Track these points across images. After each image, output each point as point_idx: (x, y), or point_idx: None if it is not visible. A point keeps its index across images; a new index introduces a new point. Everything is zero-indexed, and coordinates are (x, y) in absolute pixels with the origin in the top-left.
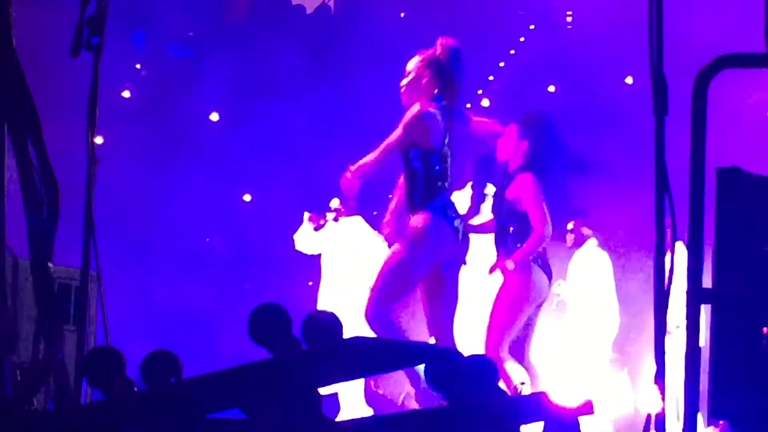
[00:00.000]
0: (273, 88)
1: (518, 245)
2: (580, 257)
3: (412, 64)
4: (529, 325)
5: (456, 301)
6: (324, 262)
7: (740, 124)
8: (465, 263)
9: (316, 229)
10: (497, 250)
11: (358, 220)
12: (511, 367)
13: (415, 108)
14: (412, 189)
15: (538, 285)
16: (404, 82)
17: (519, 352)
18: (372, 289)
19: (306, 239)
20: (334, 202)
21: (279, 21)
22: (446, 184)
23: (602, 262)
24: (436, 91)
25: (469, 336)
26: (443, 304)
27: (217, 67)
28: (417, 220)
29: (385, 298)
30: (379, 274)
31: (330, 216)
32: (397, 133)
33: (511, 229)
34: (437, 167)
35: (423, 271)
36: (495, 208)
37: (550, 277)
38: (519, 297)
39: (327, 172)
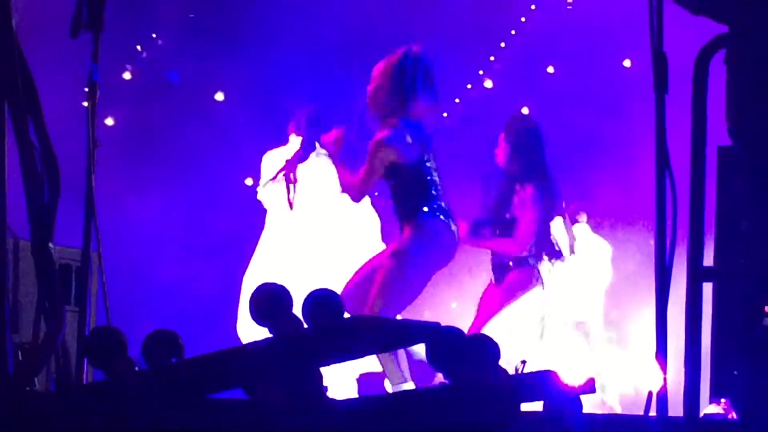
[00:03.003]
0: (276, 70)
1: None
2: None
3: (376, 70)
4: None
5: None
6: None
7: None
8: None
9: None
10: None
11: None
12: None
13: (377, 138)
14: (397, 206)
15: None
16: (369, 88)
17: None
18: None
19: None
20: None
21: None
22: (434, 192)
23: (597, 245)
24: (396, 100)
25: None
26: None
27: (218, 49)
28: (405, 233)
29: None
30: (380, 291)
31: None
32: (366, 167)
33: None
34: (419, 181)
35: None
36: (494, 211)
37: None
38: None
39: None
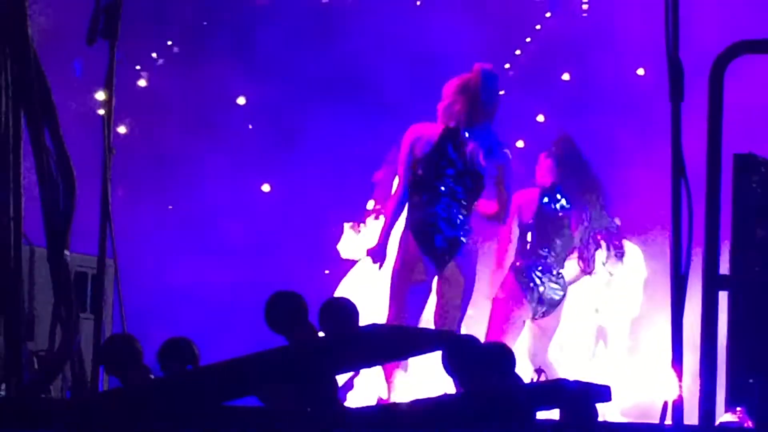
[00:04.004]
0: (294, 76)
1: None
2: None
3: (448, 88)
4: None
5: None
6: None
7: (758, 110)
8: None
9: (358, 233)
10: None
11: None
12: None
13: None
14: None
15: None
16: (440, 105)
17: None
18: None
19: (350, 245)
20: (370, 204)
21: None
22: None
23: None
24: (465, 116)
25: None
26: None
27: (232, 55)
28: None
29: None
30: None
31: (369, 219)
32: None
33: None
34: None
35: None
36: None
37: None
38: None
39: (349, 165)
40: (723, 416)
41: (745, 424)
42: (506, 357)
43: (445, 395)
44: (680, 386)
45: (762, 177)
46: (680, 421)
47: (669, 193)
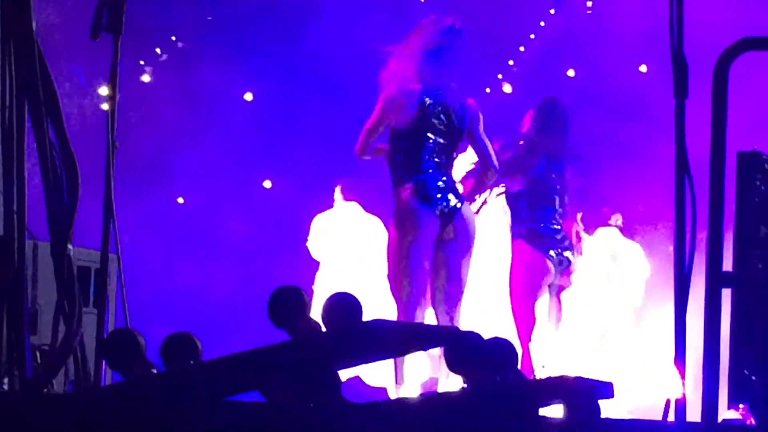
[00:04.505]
0: (295, 72)
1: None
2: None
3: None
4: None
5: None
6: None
7: (763, 108)
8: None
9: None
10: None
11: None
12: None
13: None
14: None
15: (534, 265)
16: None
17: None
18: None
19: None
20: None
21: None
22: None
23: (627, 248)
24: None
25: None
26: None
27: (236, 51)
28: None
29: None
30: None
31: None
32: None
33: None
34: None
35: None
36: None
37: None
38: (515, 278)
39: (353, 160)
40: (726, 413)
41: (748, 422)
42: (509, 353)
43: (449, 391)
44: (683, 383)
45: (766, 175)
46: (683, 419)
47: (673, 190)
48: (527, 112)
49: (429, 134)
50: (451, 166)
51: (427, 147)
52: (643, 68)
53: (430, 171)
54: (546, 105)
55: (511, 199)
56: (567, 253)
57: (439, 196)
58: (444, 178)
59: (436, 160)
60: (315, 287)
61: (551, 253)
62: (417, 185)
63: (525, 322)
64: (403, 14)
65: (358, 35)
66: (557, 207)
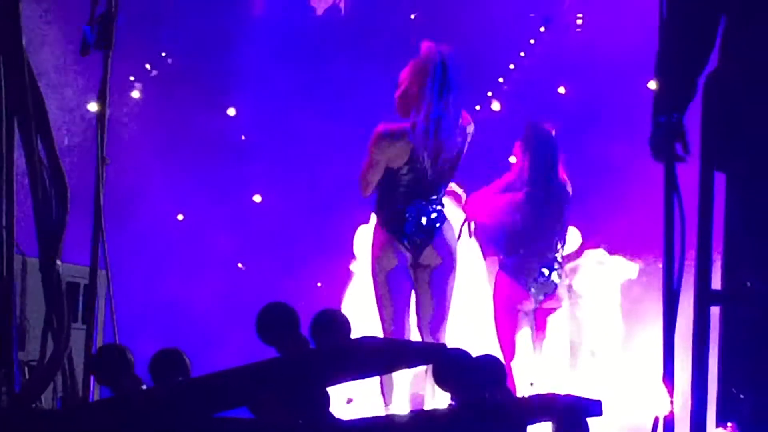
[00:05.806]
0: (285, 85)
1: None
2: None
3: (403, 74)
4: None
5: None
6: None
7: None
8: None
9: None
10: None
11: None
12: (520, 367)
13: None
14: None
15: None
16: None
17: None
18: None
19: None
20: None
21: (290, 22)
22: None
23: (616, 266)
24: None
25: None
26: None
27: (229, 68)
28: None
29: None
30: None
31: None
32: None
33: None
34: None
35: None
36: None
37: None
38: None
39: (341, 177)
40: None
41: None
42: (497, 370)
43: (437, 409)
44: (671, 401)
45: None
46: None
47: (661, 207)
48: (515, 142)
49: (406, 166)
50: (435, 192)
51: (401, 179)
52: (651, 85)
53: (405, 200)
54: (533, 138)
55: (498, 230)
56: (554, 276)
57: (413, 224)
58: (421, 205)
59: (413, 189)
60: (344, 298)
61: (532, 289)
62: (391, 215)
63: (507, 339)
64: (393, 33)
65: (350, 52)
66: (547, 239)
